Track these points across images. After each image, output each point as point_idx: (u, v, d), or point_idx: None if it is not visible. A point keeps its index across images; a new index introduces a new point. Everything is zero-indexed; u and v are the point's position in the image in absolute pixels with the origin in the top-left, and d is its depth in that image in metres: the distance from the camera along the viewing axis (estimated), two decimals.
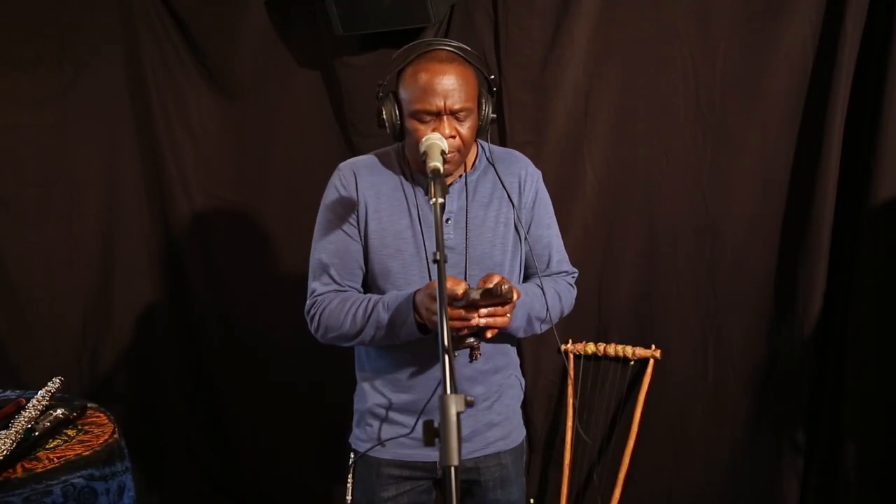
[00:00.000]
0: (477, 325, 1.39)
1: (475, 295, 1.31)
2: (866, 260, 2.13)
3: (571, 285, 1.74)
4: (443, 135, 1.44)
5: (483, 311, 1.37)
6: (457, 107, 1.45)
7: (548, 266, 1.69)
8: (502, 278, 1.38)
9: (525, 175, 1.65)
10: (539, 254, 1.66)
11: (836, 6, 2.08)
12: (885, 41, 2.02)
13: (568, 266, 1.74)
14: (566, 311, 1.71)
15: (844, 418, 2.21)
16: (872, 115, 2.06)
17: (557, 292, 1.65)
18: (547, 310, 1.58)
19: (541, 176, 1.69)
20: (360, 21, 2.34)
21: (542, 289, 1.58)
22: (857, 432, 2.20)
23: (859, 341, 2.17)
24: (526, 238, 1.63)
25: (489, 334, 1.43)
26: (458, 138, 1.47)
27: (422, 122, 1.46)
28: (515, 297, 1.39)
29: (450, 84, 1.44)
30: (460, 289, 1.34)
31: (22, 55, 2.56)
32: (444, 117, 1.45)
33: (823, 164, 2.12)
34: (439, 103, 1.44)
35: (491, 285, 1.32)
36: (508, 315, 1.40)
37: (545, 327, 1.63)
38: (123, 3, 2.62)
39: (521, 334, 1.62)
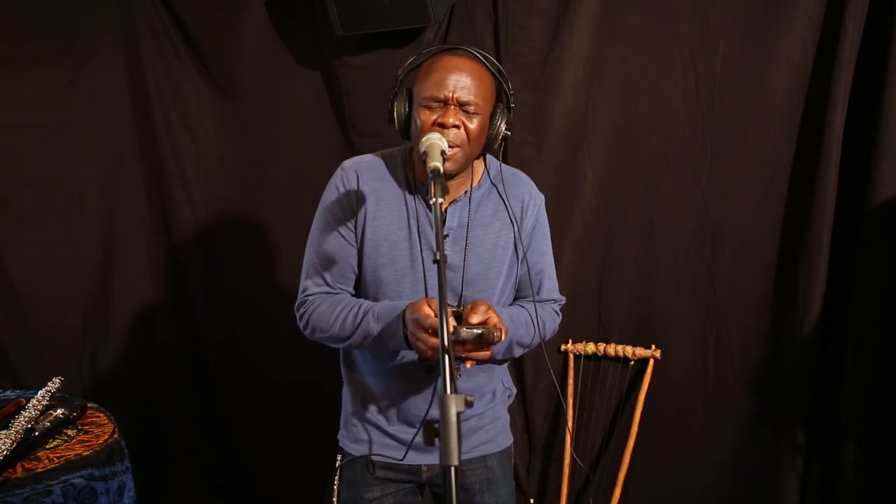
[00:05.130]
0: (459, 356, 1.39)
1: (465, 335, 1.32)
2: (866, 260, 2.13)
3: (557, 313, 1.73)
4: (447, 123, 1.43)
5: (469, 345, 1.37)
6: (465, 98, 1.44)
7: (538, 293, 1.68)
8: (490, 308, 1.38)
9: (528, 200, 1.63)
10: (531, 280, 1.66)
11: (836, 6, 2.08)
12: (885, 41, 2.02)
13: (557, 294, 1.73)
14: (547, 338, 1.70)
15: (844, 418, 2.21)
16: (872, 115, 2.06)
17: (543, 320, 1.65)
18: (534, 335, 1.59)
19: (543, 201, 1.68)
20: (360, 21, 2.34)
21: (528, 315, 1.59)
22: (856, 432, 2.20)
23: (859, 341, 2.17)
24: (521, 262, 1.63)
25: (468, 365, 1.43)
26: (462, 129, 1.45)
27: (428, 108, 1.45)
28: (504, 337, 1.38)
29: (462, 76, 1.44)
30: (449, 324, 1.33)
31: (22, 55, 2.56)
32: (451, 106, 1.44)
33: (823, 164, 2.12)
34: (448, 92, 1.43)
35: (482, 328, 1.33)
36: (492, 350, 1.40)
37: (524, 351, 1.64)
38: (123, 4, 2.62)
39: (498, 357, 1.61)
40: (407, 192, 1.56)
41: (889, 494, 2.16)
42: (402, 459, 1.54)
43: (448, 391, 0.98)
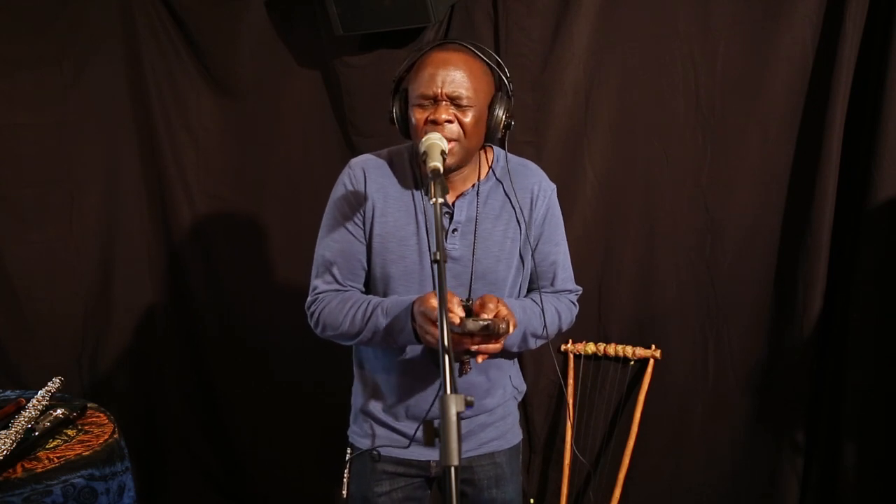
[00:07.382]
0: (469, 349, 1.39)
1: (472, 327, 1.32)
2: (866, 260, 2.13)
3: (573, 303, 1.72)
4: (438, 119, 1.43)
5: (477, 338, 1.37)
6: (455, 92, 1.43)
7: (552, 284, 1.67)
8: (500, 302, 1.38)
9: (538, 190, 1.62)
10: (544, 271, 1.65)
11: (836, 6, 2.08)
12: (885, 41, 2.02)
13: (572, 285, 1.72)
14: (564, 329, 1.70)
15: (844, 418, 2.21)
16: (872, 115, 2.06)
17: (557, 311, 1.64)
18: (545, 328, 1.57)
19: (555, 190, 1.67)
20: (360, 21, 2.34)
21: (542, 307, 1.57)
22: (856, 432, 2.20)
23: (859, 341, 2.17)
24: (533, 254, 1.62)
25: (480, 359, 1.43)
26: (456, 123, 1.44)
27: (420, 106, 1.45)
28: (512, 329, 1.38)
29: (451, 70, 1.44)
30: (456, 316, 1.33)
31: (22, 55, 2.56)
32: (442, 102, 1.44)
33: (823, 164, 2.12)
34: (436, 88, 1.43)
35: (489, 319, 1.32)
36: (501, 343, 1.40)
37: (540, 343, 1.62)
38: (123, 4, 2.62)
39: (514, 350, 1.61)
40: (414, 189, 1.56)
41: (889, 494, 2.16)
42: (407, 447, 1.55)
43: (448, 391, 0.98)
